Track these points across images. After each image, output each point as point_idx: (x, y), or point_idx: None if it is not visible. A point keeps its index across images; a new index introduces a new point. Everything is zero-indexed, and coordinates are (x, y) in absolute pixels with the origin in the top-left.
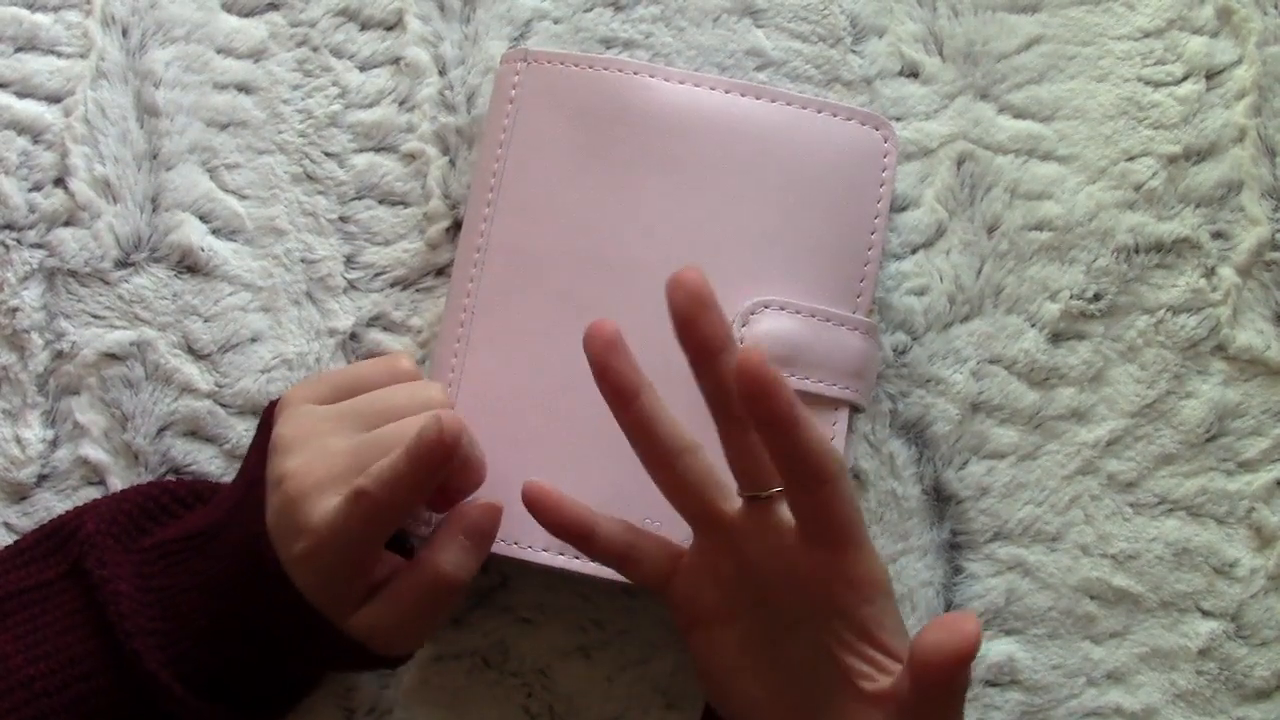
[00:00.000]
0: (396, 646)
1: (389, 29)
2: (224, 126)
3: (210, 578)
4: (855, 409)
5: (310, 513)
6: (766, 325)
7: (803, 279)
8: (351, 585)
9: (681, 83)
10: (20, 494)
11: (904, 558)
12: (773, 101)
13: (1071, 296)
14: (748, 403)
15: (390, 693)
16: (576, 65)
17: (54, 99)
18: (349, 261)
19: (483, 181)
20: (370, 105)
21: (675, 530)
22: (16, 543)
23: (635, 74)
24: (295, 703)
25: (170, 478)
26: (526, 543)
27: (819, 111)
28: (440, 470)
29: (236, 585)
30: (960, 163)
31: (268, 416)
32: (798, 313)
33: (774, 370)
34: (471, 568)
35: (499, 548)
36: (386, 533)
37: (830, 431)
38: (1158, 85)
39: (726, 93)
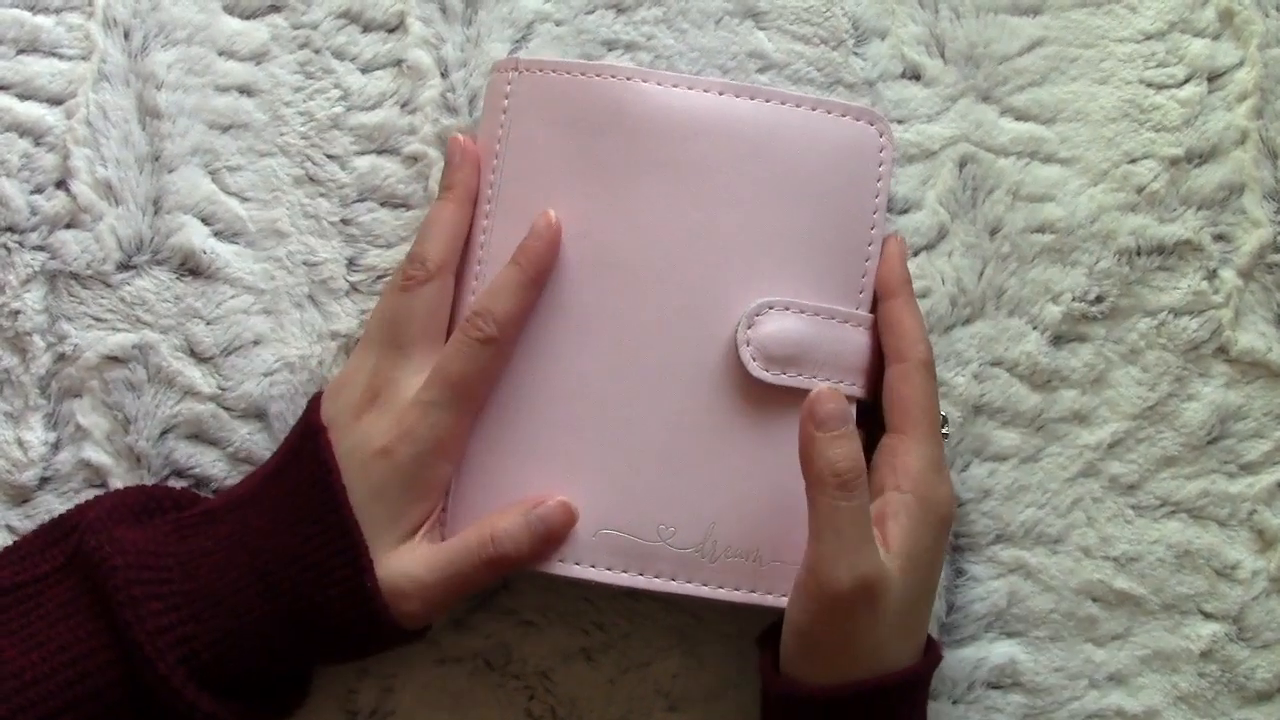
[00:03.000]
0: (415, 607)
1: (391, 31)
2: (226, 129)
3: (245, 535)
4: (862, 405)
5: (403, 392)
6: (772, 326)
7: (804, 277)
8: (408, 499)
9: (674, 86)
10: (22, 497)
11: None
12: (766, 101)
13: (1073, 299)
14: None
15: (393, 695)
16: (568, 73)
17: (56, 101)
18: (351, 264)
19: (480, 191)
20: (372, 107)
21: (688, 534)
22: (16, 542)
23: (628, 79)
24: (290, 708)
25: (173, 482)
26: None
27: (813, 109)
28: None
29: (279, 530)
30: (962, 165)
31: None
32: (802, 312)
33: None
34: (523, 549)
35: None
36: (491, 377)
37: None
38: (1159, 88)
39: (720, 94)
